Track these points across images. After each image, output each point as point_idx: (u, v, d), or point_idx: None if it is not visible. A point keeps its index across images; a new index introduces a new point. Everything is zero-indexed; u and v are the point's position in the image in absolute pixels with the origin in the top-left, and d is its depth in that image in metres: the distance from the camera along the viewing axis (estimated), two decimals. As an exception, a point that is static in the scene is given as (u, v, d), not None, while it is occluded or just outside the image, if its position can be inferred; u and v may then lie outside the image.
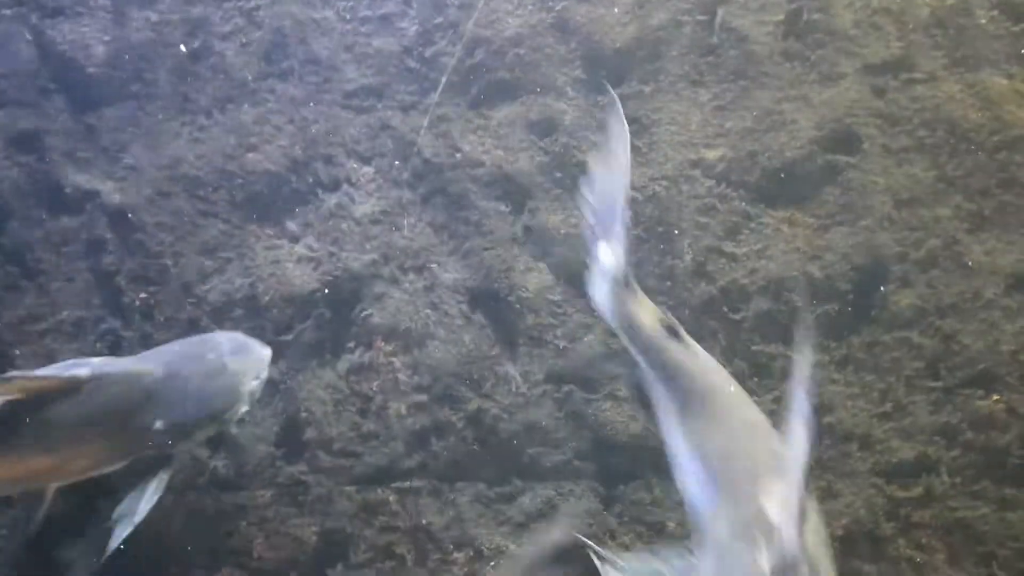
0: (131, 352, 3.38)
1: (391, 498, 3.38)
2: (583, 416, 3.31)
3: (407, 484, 3.37)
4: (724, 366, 3.17)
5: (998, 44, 3.18)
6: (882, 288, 3.17)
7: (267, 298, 3.41)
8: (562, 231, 3.34)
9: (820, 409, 3.19)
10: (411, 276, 3.40)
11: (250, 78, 3.46)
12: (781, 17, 3.30)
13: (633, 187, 3.32)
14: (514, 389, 3.32)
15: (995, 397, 3.11)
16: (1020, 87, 3.13)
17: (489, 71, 3.42)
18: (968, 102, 3.18)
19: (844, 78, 3.25)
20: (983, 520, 3.09)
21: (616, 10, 3.37)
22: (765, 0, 3.32)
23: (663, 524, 3.25)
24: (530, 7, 3.41)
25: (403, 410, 3.38)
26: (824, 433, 3.19)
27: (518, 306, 3.35)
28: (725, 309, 3.24)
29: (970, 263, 3.16)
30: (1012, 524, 3.08)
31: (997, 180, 3.17)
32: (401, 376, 3.39)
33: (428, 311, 3.38)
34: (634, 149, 3.32)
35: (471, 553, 3.31)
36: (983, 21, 3.21)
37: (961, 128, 3.18)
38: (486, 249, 3.36)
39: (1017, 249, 3.15)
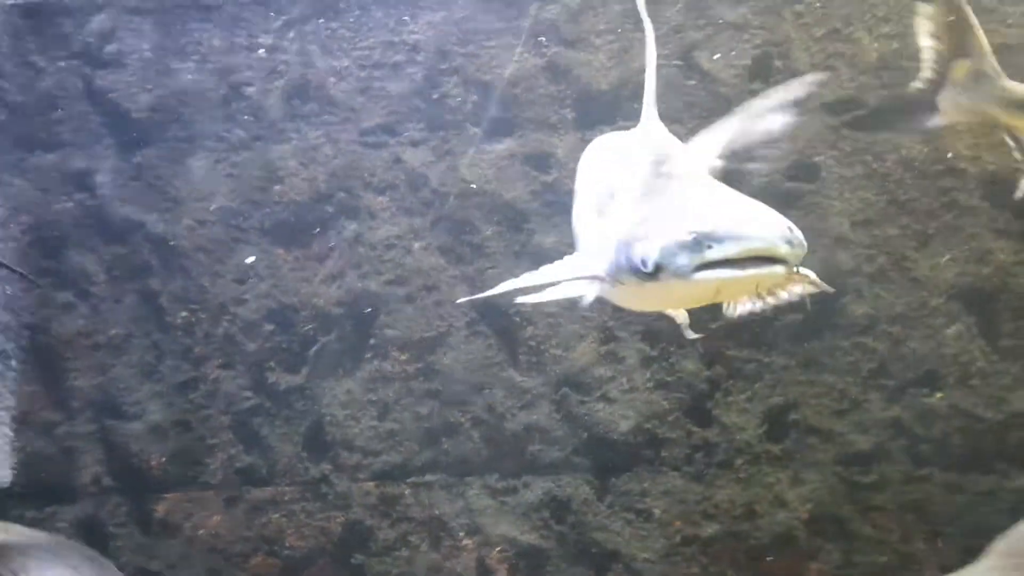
0: (174, 367, 3.59)
1: (407, 492, 3.55)
2: (578, 416, 3.47)
3: (421, 479, 3.56)
4: (703, 370, 3.41)
5: (938, 83, 3.39)
6: (840, 299, 3.34)
7: (294, 314, 3.62)
8: (557, 251, 3.52)
9: (787, 407, 3.38)
10: (423, 294, 3.59)
11: (277, 119, 3.64)
12: (748, 62, 3.47)
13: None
14: (516, 392, 3.54)
15: (939, 394, 3.29)
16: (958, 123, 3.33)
17: (489, 110, 3.62)
18: (911, 136, 3.34)
19: (805, 114, 3.45)
20: (930, 502, 3.27)
21: (601, 55, 3.55)
22: (733, 46, 3.50)
23: (650, 511, 3.43)
24: (525, 52, 3.60)
25: (416, 413, 3.56)
26: (791, 428, 3.38)
27: (518, 319, 3.52)
28: (706, 317, 3.43)
29: (917, 276, 3.36)
30: (955, 505, 3.26)
31: (939, 203, 3.35)
32: (414, 383, 3.57)
33: (438, 324, 3.58)
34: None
35: (480, 539, 3.51)
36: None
37: (907, 157, 3.36)
38: (489, 268, 3.55)
39: (957, 263, 3.35)
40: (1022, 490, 3.18)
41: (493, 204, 3.55)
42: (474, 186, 3.56)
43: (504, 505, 3.50)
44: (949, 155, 3.33)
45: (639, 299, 2.31)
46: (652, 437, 3.44)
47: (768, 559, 3.35)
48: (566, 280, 2.15)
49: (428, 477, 3.54)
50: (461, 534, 3.49)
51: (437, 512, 3.52)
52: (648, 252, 1.92)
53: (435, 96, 3.58)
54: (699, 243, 1.87)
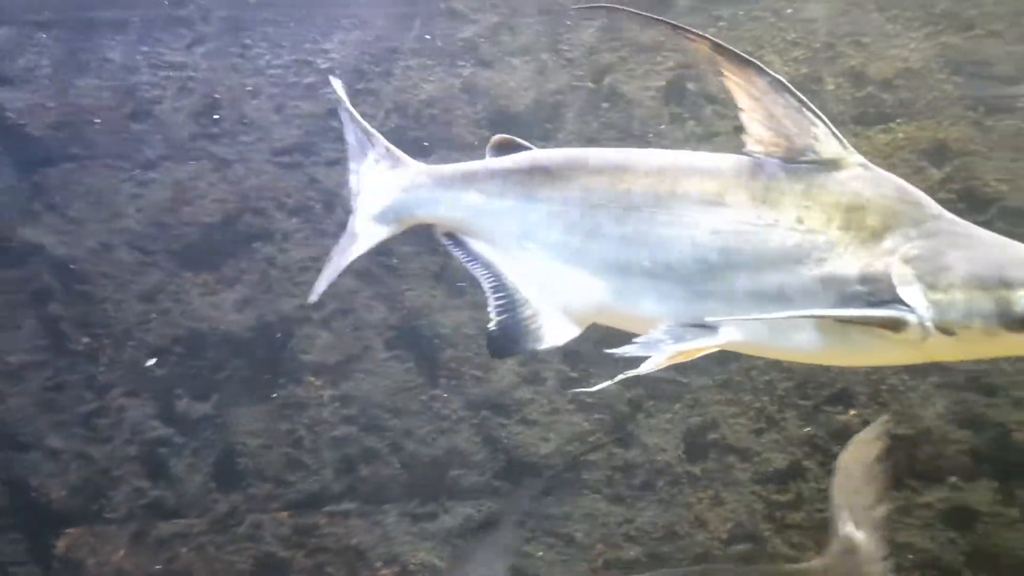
0: (76, 396, 3.36)
1: (322, 521, 3.41)
2: (498, 439, 3.36)
3: (337, 508, 3.41)
4: (624, 391, 3.35)
5: (844, 107, 3.33)
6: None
7: (204, 339, 3.44)
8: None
9: (706, 427, 3.33)
10: (338, 317, 3.45)
11: (186, 137, 3.48)
12: (663, 83, 3.45)
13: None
14: (436, 416, 3.40)
15: (852, 412, 3.29)
16: (864, 145, 3.34)
17: (406, 130, 3.50)
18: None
19: (719, 136, 3.43)
20: (846, 519, 3.28)
21: (518, 76, 3.49)
22: (648, 69, 3.47)
23: (572, 536, 3.33)
24: (441, 73, 3.51)
25: (332, 439, 3.41)
26: (710, 448, 3.32)
27: (437, 341, 3.42)
28: (625, 340, 3.35)
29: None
30: (870, 521, 3.27)
31: None
32: (330, 408, 3.41)
33: (355, 349, 3.44)
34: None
35: (398, 568, 3.35)
36: (831, 87, 3.37)
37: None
38: (407, 290, 3.44)
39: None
40: (932, 505, 3.17)
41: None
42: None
43: (423, 532, 3.37)
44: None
45: (896, 353, 1.94)
46: (573, 459, 3.35)
47: (689, 580, 3.29)
48: (873, 315, 1.83)
49: (344, 505, 3.38)
50: (379, 563, 3.34)
51: (354, 541, 3.36)
52: None
53: (350, 116, 3.47)
54: None
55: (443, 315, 3.41)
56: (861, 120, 3.33)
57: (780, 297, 1.86)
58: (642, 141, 3.42)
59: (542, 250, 2.11)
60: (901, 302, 1.78)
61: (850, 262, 1.83)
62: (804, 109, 1.92)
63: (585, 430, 3.34)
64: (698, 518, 3.29)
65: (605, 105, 3.46)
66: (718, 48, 1.96)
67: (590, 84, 3.47)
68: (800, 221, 1.86)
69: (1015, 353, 1.85)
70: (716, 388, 3.31)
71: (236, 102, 3.47)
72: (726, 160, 2.00)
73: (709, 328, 1.92)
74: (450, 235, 2.24)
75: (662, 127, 3.43)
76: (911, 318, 1.76)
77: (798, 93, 1.93)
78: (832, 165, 1.89)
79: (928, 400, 3.20)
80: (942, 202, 3.21)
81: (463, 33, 3.48)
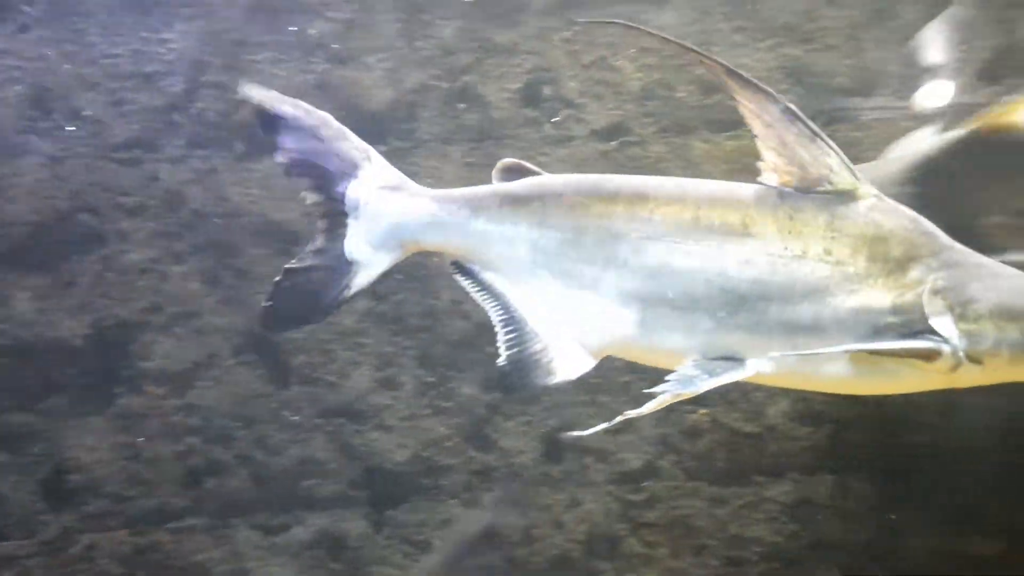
0: None
1: (165, 538, 3.19)
2: (354, 447, 3.24)
3: (181, 524, 3.21)
4: (482, 394, 3.29)
5: (694, 113, 3.38)
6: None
7: (34, 347, 3.16)
8: (329, 276, 3.31)
9: (563, 429, 3.25)
10: (181, 322, 3.24)
11: (11, 131, 3.19)
12: (519, 85, 3.40)
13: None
14: (287, 425, 3.25)
15: (702, 411, 3.32)
16: (714, 151, 3.43)
17: (254, 126, 3.32)
18: (674, 163, 3.38)
19: (574, 140, 3.43)
20: (697, 516, 3.26)
21: (373, 74, 3.39)
22: (505, 70, 3.42)
23: (428, 542, 3.25)
24: (293, 68, 3.36)
25: (175, 451, 3.21)
26: (567, 450, 3.28)
27: (289, 346, 3.26)
28: (483, 342, 3.29)
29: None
30: (719, 518, 3.26)
31: None
32: (173, 419, 3.20)
33: (199, 355, 3.24)
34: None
35: (247, 585, 3.18)
36: (682, 94, 3.41)
37: (669, 184, 3.41)
38: (256, 294, 3.26)
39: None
40: (778, 500, 3.26)
41: (259, 225, 3.25)
42: (238, 206, 3.25)
43: (275, 546, 3.20)
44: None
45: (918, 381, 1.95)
46: (430, 465, 3.27)
47: (546, 583, 3.26)
48: (912, 347, 1.83)
49: (189, 521, 3.18)
50: (227, 580, 3.16)
51: (200, 558, 3.16)
52: None
53: (194, 111, 3.25)
54: None
55: (295, 319, 3.26)
56: (710, 127, 3.39)
57: (814, 328, 1.85)
58: (499, 143, 3.38)
59: (555, 280, 2.02)
60: (934, 332, 1.80)
61: (881, 293, 1.84)
62: (817, 138, 1.90)
63: (442, 435, 3.27)
64: (555, 520, 3.27)
65: (462, 105, 3.39)
66: (731, 74, 1.93)
67: (446, 84, 3.40)
68: (828, 252, 1.86)
69: None
70: (574, 390, 3.29)
71: (67, 93, 3.21)
72: (746, 189, 1.96)
73: (736, 360, 1.88)
74: (457, 264, 2.12)
75: (519, 130, 3.40)
76: (945, 348, 1.80)
77: (810, 122, 1.91)
78: (849, 196, 1.90)
79: (772, 397, 3.29)
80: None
81: (315, 28, 3.34)
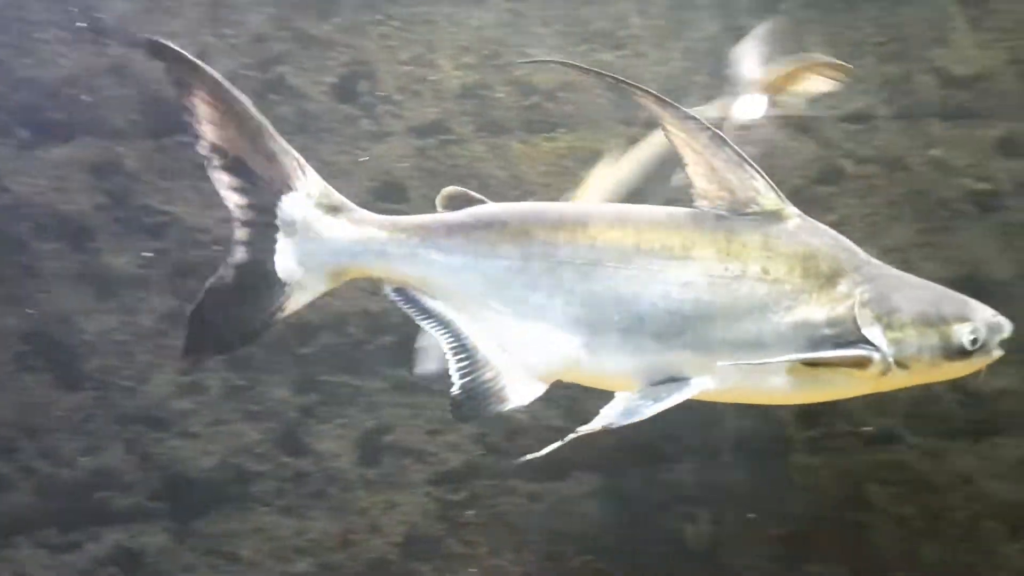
0: None
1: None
2: (153, 456, 3.02)
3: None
4: (295, 397, 3.15)
5: (512, 114, 3.37)
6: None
7: None
8: (128, 272, 3.08)
9: (381, 431, 3.20)
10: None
11: None
12: (334, 80, 3.27)
13: (203, 230, 3.17)
14: (79, 434, 2.98)
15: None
16: (532, 152, 3.43)
17: (42, 111, 3.06)
18: (493, 162, 3.38)
19: (392, 135, 3.35)
20: (515, 513, 3.24)
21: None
22: (320, 63, 3.28)
23: (236, 553, 3.09)
24: (85, 50, 3.10)
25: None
26: (384, 452, 3.20)
27: (81, 349, 3.01)
28: (294, 343, 3.16)
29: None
30: (537, 514, 3.25)
31: None
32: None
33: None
34: (198, 193, 3.17)
35: (33, 609, 2.89)
36: (500, 95, 3.39)
37: (488, 183, 3.34)
38: (42, 292, 2.99)
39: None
40: (594, 493, 3.30)
41: (46, 219, 3.00)
42: (22, 197, 2.98)
43: (64, 564, 2.94)
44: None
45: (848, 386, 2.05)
46: (240, 472, 3.09)
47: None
48: (847, 356, 1.94)
49: (-36, 542, 2.87)
50: (8, 606, 2.87)
51: (-25, 583, 2.86)
52: (978, 332, 1.97)
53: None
54: (1001, 326, 2.00)
55: (88, 320, 3.00)
56: (528, 128, 3.40)
57: (756, 344, 1.94)
58: (315, 137, 3.25)
59: (504, 307, 2.01)
60: (865, 341, 1.95)
61: (816, 308, 1.96)
62: (744, 163, 1.98)
63: (253, 440, 3.10)
64: (373, 523, 3.17)
65: (274, 97, 3.24)
66: (660, 102, 1.95)
67: (257, 74, 3.24)
68: (766, 271, 1.96)
69: (951, 377, 2.10)
70: (391, 391, 3.21)
71: None
72: (684, 213, 2.01)
73: (681, 381, 1.96)
74: (400, 291, 2.04)
75: (334, 124, 3.29)
76: (876, 356, 1.95)
77: (737, 148, 1.96)
78: (776, 216, 2.00)
79: (587, 392, 3.31)
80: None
81: (113, 10, 3.10)
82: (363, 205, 3.25)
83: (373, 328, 3.20)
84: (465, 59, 3.38)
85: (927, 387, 2.52)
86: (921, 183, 3.33)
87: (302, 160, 2.04)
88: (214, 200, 3.17)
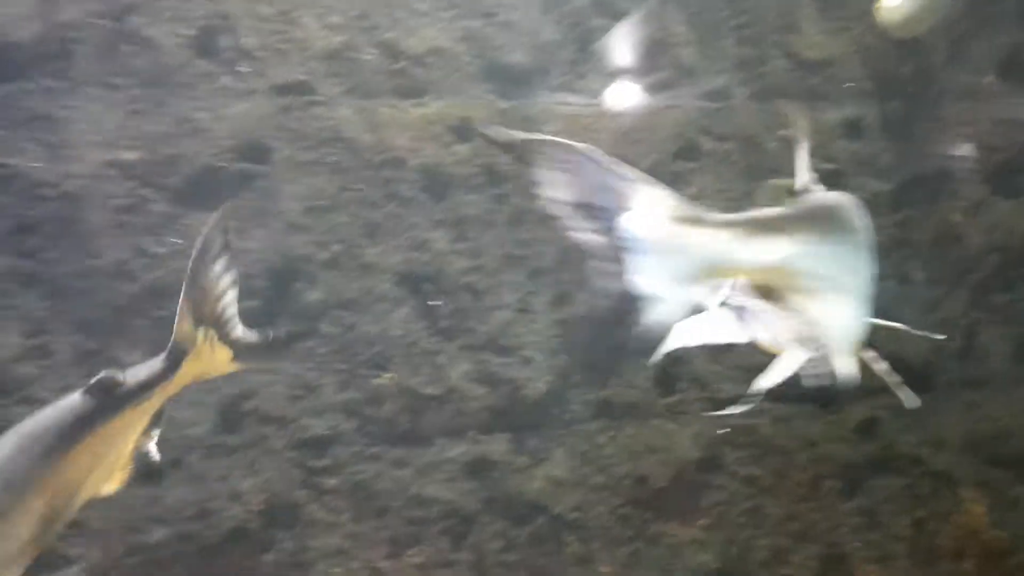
0: None
1: None
2: (-7, 424, 2.84)
3: None
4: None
5: (381, 78, 3.29)
6: (293, 285, 3.16)
7: None
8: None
9: (243, 397, 3.09)
10: None
11: None
12: (193, 33, 3.10)
13: (47, 184, 2.96)
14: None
15: (387, 375, 3.24)
16: (399, 115, 3.36)
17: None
18: (359, 126, 3.27)
19: (254, 95, 3.21)
20: (378, 480, 3.21)
21: (20, 3, 2.96)
22: (175, 14, 3.10)
23: (85, 523, 2.94)
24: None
25: None
26: (246, 417, 3.10)
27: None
28: (148, 307, 3.01)
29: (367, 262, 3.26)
30: (400, 480, 3.22)
31: (383, 193, 3.30)
32: None
33: None
34: (47, 146, 2.97)
35: None
36: (368, 57, 3.30)
37: (355, 147, 3.26)
38: None
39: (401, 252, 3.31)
40: (457, 459, 3.30)
41: None
42: None
43: None
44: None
45: None
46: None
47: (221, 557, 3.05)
48: None
49: None
50: None
51: None
52: None
53: None
54: None
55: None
56: (396, 93, 3.34)
57: None
58: (170, 91, 3.09)
59: (835, 292, 2.09)
60: None
61: None
62: None
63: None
64: (232, 491, 3.07)
65: (128, 47, 3.06)
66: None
67: (109, 22, 3.04)
68: None
69: None
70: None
71: None
72: None
73: None
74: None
75: (192, 79, 3.13)
76: None
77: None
78: None
79: (455, 361, 3.32)
80: (467, 176, 3.39)
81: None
82: (224, 164, 3.16)
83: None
84: (332, 19, 3.29)
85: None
86: (773, 161, 3.47)
87: (640, 175, 1.95)
88: (63, 154, 3.01)
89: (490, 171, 3.37)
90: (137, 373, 2.21)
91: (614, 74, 3.51)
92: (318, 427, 3.17)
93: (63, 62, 2.99)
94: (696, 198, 2.19)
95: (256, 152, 3.19)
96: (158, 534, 2.99)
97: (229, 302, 2.33)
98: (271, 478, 3.11)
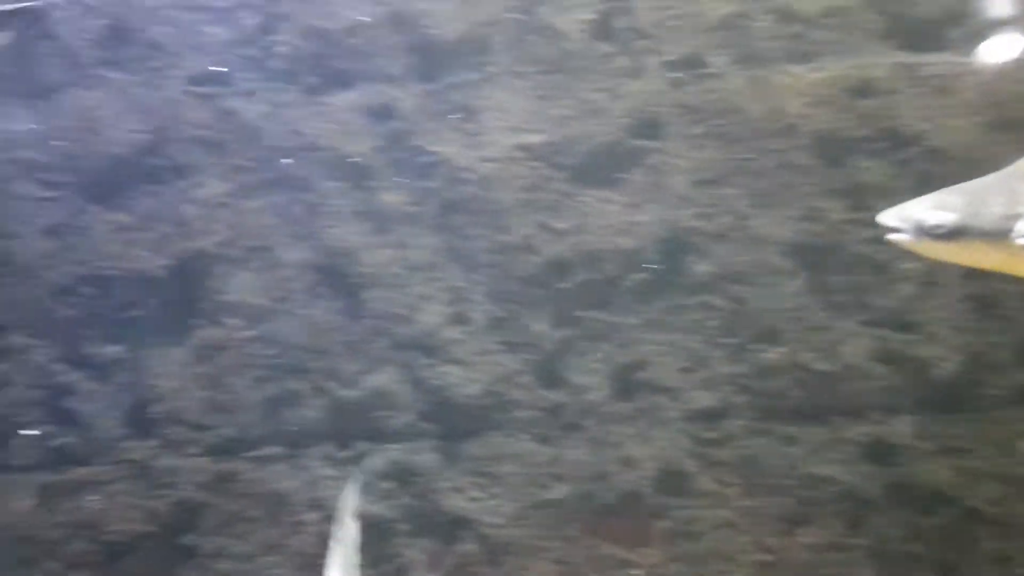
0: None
1: (244, 467, 3.22)
2: (425, 380, 3.21)
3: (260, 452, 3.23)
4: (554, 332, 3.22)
5: (775, 44, 3.18)
6: (684, 258, 3.18)
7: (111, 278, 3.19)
8: (401, 210, 3.30)
9: (635, 366, 3.19)
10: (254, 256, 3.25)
11: (86, 63, 3.18)
12: (592, 17, 3.23)
13: (467, 169, 3.30)
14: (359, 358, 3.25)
15: (778, 349, 3.15)
16: (792, 81, 3.19)
17: (326, 59, 3.28)
18: (751, 95, 3.20)
19: (647, 72, 3.28)
20: (769, 455, 3.15)
21: (446, 6, 3.26)
22: (576, 2, 3.28)
23: (497, 475, 3.20)
24: (367, 2, 3.27)
25: (251, 381, 3.23)
26: (640, 387, 3.19)
27: (360, 280, 3.28)
28: (551, 279, 3.20)
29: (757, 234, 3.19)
30: (791, 456, 3.13)
31: (776, 163, 3.20)
32: (249, 350, 3.24)
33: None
34: (464, 132, 3.28)
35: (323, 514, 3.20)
36: (761, 24, 3.19)
37: (746, 116, 3.19)
38: (330, 227, 3.25)
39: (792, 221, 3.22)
40: (853, 440, 3.12)
41: (325, 159, 3.22)
42: (311, 140, 3.22)
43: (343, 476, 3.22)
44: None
45: None
46: (500, 400, 3.25)
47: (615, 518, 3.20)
48: None
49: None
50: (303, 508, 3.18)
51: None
52: None
53: (266, 43, 3.24)
54: None
55: (367, 254, 3.22)
56: (790, 58, 3.22)
57: None
58: (571, 76, 3.25)
59: None
60: None
61: None
62: None
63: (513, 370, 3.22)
64: (626, 456, 3.20)
65: (532, 38, 3.27)
66: None
67: (518, 16, 3.28)
68: None
69: None
70: (644, 327, 3.20)
71: (143, 26, 3.18)
72: None
73: None
74: None
75: (591, 64, 3.27)
76: None
77: None
78: None
79: (850, 336, 3.14)
80: (864, 140, 3.18)
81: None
82: (618, 143, 3.26)
83: (627, 265, 3.20)
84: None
85: None
86: None
87: None
88: (475, 140, 3.31)
89: (893, 134, 3.12)
90: None
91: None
92: (708, 399, 3.18)
93: (481, 56, 3.28)
94: None
95: (649, 128, 3.25)
96: (558, 491, 3.20)
97: None
98: (663, 447, 3.18)
